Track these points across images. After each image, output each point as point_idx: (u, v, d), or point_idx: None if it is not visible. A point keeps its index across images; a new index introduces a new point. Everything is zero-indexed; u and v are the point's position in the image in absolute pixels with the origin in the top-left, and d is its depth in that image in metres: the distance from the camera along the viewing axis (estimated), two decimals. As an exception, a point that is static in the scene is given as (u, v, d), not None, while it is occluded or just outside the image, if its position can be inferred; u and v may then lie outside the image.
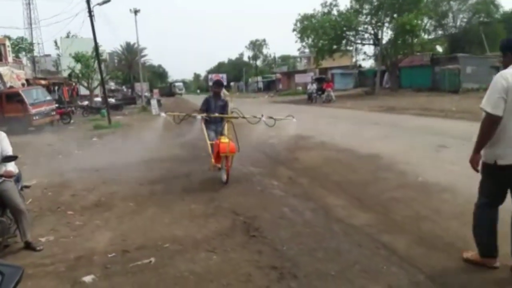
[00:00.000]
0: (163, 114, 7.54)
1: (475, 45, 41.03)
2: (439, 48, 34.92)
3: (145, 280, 3.51)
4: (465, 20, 43.66)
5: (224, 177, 6.50)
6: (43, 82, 27.92)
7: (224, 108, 7.33)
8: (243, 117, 6.58)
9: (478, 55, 33.41)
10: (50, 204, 6.09)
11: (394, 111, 17.83)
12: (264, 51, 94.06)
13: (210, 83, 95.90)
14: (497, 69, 25.34)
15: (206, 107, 7.22)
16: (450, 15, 43.55)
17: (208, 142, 6.90)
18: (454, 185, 5.38)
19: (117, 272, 3.68)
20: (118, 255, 4.05)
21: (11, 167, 4.12)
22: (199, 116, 6.95)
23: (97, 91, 34.43)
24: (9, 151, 4.16)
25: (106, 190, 6.78)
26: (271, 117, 6.74)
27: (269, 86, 69.77)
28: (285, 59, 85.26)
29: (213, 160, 6.62)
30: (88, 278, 3.61)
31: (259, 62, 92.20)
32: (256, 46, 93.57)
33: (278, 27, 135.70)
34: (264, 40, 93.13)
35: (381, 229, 4.17)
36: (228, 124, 6.73)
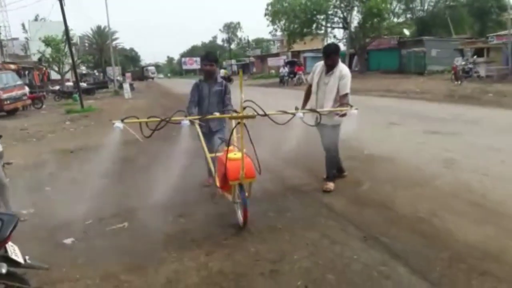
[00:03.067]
0: (117, 125, 3.80)
1: (441, 28, 42.25)
2: (406, 32, 35.97)
3: (120, 240, 4.03)
4: (432, 4, 44.74)
5: (241, 217, 4.01)
6: (12, 66, 27.41)
7: (222, 95, 5.14)
8: (265, 115, 3.88)
9: (443, 38, 34.62)
10: (28, 182, 6.46)
11: (358, 92, 18.49)
12: (239, 34, 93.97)
13: (184, 67, 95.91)
14: (461, 52, 26.59)
15: (198, 98, 5.10)
16: (418, -1, 44.57)
17: (208, 156, 4.44)
18: (395, 156, 6.12)
19: (94, 236, 4.18)
20: (95, 222, 4.55)
21: (-6, 145, 4.54)
22: (185, 122, 4.01)
23: (68, 75, 33.96)
24: None
25: (81, 169, 7.16)
26: (314, 110, 4.35)
27: (243, 70, 70.01)
28: (259, 42, 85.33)
29: (217, 185, 4.28)
30: (68, 241, 4.10)
31: (233, 46, 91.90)
32: (231, 29, 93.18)
33: (253, 10, 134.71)
34: (238, 23, 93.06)
35: (325, 193, 4.82)
36: (240, 127, 3.79)
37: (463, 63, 21.83)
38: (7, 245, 2.37)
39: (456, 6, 41.61)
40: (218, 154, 4.56)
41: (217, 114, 4.66)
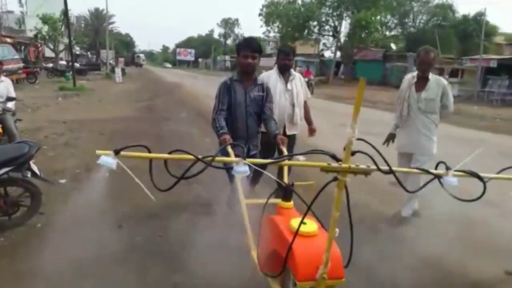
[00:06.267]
0: (107, 160, 1.73)
1: (430, 46, 43.87)
2: (393, 46, 37.70)
3: (101, 183, 5.33)
4: (423, 21, 46.54)
5: None
6: (8, 40, 28.24)
7: (262, 103, 3.65)
8: (391, 172, 1.83)
9: (427, 56, 36.28)
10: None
11: (335, 99, 20.15)
12: (236, 30, 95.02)
13: (178, 57, 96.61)
14: (441, 71, 28.26)
15: (227, 102, 3.55)
16: (411, 15, 46.34)
17: (245, 213, 2.74)
18: (324, 146, 7.48)
19: (82, 179, 5.47)
20: (82, 171, 5.85)
21: (11, 105, 5.85)
22: (242, 168, 1.87)
23: (62, 54, 34.89)
24: (13, 93, 5.92)
25: (73, 136, 8.48)
26: (475, 174, 2.04)
27: (236, 66, 71.27)
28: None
29: (255, 260, 2.54)
30: (63, 181, 5.41)
31: (229, 41, 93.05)
32: (228, 24, 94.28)
33: (252, 8, 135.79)
34: (237, 20, 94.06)
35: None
36: (339, 187, 1.72)
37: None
38: (30, 162, 3.67)
39: (444, 26, 43.53)
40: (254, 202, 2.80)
41: (258, 135, 3.80)
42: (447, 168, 2.01)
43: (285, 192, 2.41)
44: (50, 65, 31.11)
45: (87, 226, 3.90)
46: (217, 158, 1.81)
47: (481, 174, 2.01)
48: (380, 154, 1.78)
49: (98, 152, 1.67)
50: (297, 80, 4.40)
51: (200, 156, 1.73)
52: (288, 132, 4.31)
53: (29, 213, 3.86)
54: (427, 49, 4.17)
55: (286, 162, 2.17)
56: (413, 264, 3.33)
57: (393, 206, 4.63)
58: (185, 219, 4.07)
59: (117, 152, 1.69)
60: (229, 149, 2.90)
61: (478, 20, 41.69)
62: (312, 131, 4.70)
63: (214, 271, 2.84)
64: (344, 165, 1.67)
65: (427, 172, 2.00)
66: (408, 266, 3.27)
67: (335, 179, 1.70)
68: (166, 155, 1.82)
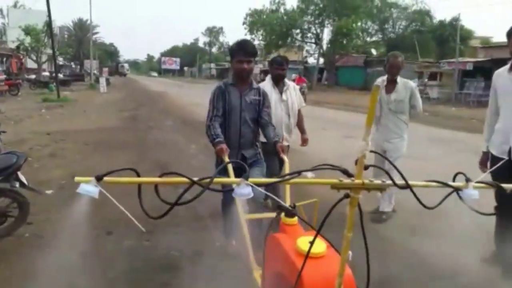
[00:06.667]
0: (87, 188, 1.38)
1: (409, 51, 44.95)
2: (374, 51, 38.44)
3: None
4: (402, 27, 47.53)
5: None
6: (-10, 52, 28.01)
7: (259, 108, 3.39)
8: (407, 186, 1.56)
9: (408, 61, 37.11)
10: (12, 153, 7.81)
11: (317, 104, 20.45)
12: (221, 38, 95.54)
13: (163, 66, 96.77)
14: (421, 74, 28.92)
15: (222, 108, 3.31)
16: (391, 21, 47.30)
17: (245, 230, 2.60)
18: (307, 150, 7.69)
19: (68, 189, 5.57)
20: (69, 181, 5.96)
21: (-6, 117, 5.95)
22: (244, 190, 1.47)
23: (45, 65, 34.67)
24: None
25: (58, 147, 8.56)
26: (497, 185, 1.77)
27: (222, 74, 71.56)
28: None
29: (254, 274, 2.47)
30: (49, 192, 5.52)
31: (214, 49, 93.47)
32: (213, 33, 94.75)
33: (236, 16, 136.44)
34: (221, 28, 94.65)
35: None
36: (351, 205, 1.49)
37: (415, 84, 24.07)
38: (18, 172, 3.81)
39: (423, 31, 44.54)
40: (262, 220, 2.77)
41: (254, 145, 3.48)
42: (467, 180, 1.76)
43: (287, 215, 2.19)
44: (33, 76, 30.91)
45: (76, 234, 4.00)
46: (215, 180, 1.58)
47: (503, 185, 1.83)
48: (396, 168, 1.63)
49: (77, 179, 1.43)
50: (291, 89, 4.39)
51: (195, 179, 1.49)
52: (285, 143, 4.21)
53: (16, 223, 3.95)
54: (395, 54, 4.46)
55: (294, 180, 1.73)
56: (391, 258, 3.52)
57: (373, 201, 4.79)
58: (174, 225, 4.20)
59: (99, 178, 1.48)
60: (230, 168, 2.62)
61: (454, 25, 42.88)
62: (304, 141, 4.75)
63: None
64: (357, 181, 1.50)
65: (446, 185, 1.74)
66: (386, 260, 3.41)
67: (347, 196, 1.52)
68: (156, 179, 1.54)
